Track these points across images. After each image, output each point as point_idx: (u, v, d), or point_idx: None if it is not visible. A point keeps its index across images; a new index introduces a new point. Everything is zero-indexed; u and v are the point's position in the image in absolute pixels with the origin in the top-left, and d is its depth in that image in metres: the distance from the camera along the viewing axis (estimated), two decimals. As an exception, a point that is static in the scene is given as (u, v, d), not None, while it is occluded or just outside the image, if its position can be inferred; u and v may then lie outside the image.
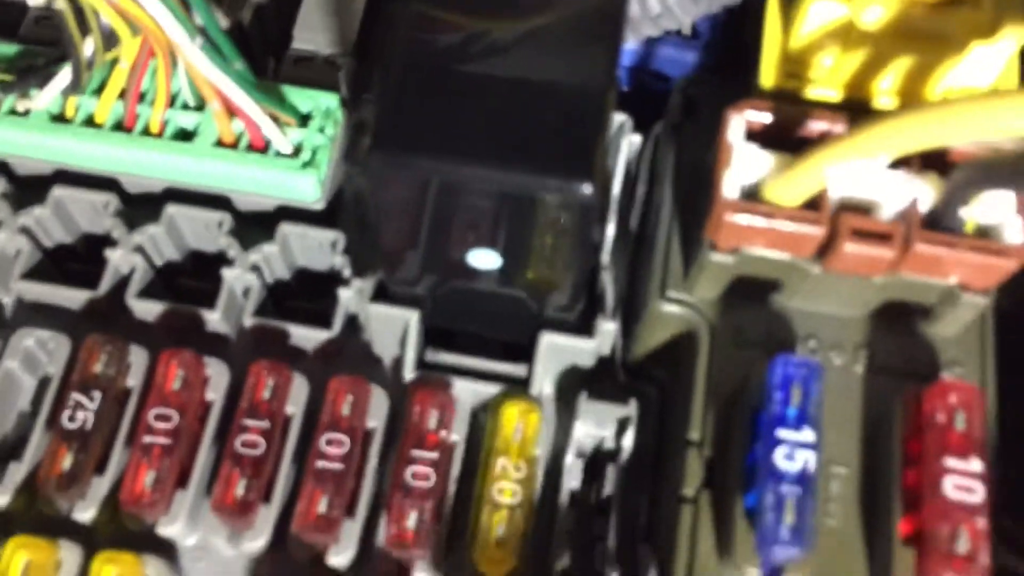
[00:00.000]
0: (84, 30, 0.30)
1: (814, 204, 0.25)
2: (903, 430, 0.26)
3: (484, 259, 0.27)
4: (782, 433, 0.24)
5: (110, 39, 0.31)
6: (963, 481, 0.24)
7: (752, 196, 0.26)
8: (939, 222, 0.25)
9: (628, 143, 0.32)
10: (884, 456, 0.26)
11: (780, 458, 0.24)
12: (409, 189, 0.25)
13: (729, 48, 0.36)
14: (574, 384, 0.32)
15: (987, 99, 0.20)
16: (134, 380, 0.32)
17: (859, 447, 0.27)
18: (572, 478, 0.31)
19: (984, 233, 0.25)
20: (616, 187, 0.32)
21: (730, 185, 0.26)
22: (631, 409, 0.30)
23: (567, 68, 0.25)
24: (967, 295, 0.26)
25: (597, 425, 0.31)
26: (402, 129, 0.24)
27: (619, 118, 0.32)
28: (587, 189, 0.23)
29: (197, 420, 0.31)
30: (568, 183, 0.23)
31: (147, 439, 0.29)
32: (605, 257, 0.31)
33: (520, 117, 0.24)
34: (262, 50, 0.39)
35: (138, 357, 0.32)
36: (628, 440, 0.30)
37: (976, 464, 0.24)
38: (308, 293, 0.35)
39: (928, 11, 0.25)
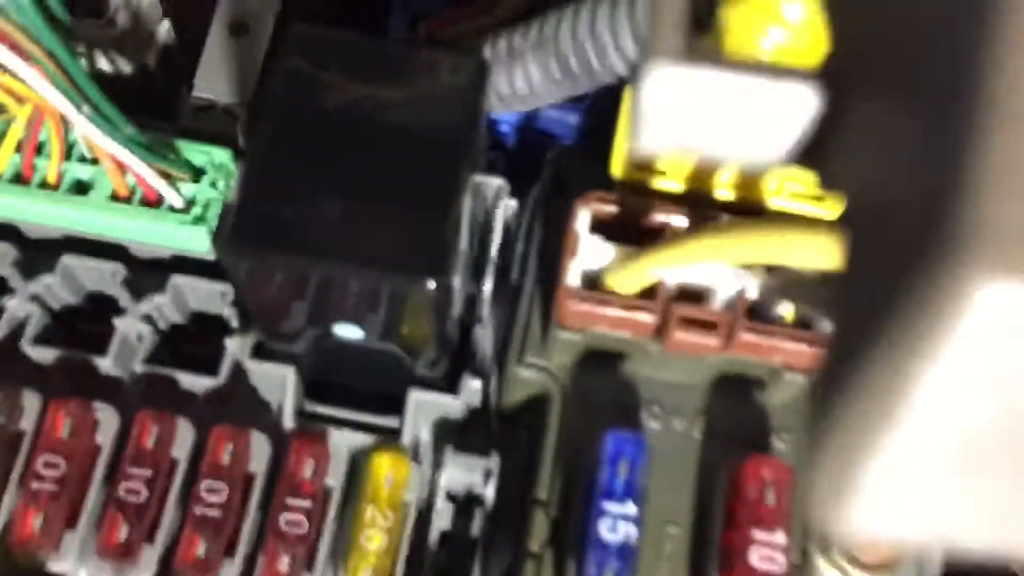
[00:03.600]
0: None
1: (652, 291, 0.28)
2: (724, 495, 0.28)
3: (348, 331, 0.29)
4: (607, 505, 0.27)
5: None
6: (767, 552, 0.26)
7: (595, 282, 0.28)
8: (764, 312, 0.28)
9: (504, 206, 0.34)
10: (710, 518, 0.29)
11: (604, 529, 0.26)
12: (266, 277, 0.26)
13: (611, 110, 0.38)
14: (449, 431, 0.34)
15: (781, 231, 0.23)
16: (27, 424, 0.33)
17: (691, 509, 0.30)
18: (442, 520, 0.33)
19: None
20: (494, 247, 0.34)
21: (574, 273, 0.28)
22: (493, 462, 0.32)
23: (421, 164, 0.27)
24: (790, 374, 0.29)
25: (466, 472, 0.33)
26: (258, 220, 0.26)
27: (496, 182, 0.34)
28: (431, 284, 0.25)
29: (85, 463, 0.33)
30: (413, 279, 0.25)
31: (35, 485, 0.31)
32: (484, 311, 0.33)
33: (372, 210, 0.26)
34: (170, 90, 0.40)
35: (31, 402, 0.33)
36: (490, 491, 0.32)
37: (780, 537, 0.26)
38: (203, 334, 0.37)
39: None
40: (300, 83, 0.28)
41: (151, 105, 0.40)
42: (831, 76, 0.13)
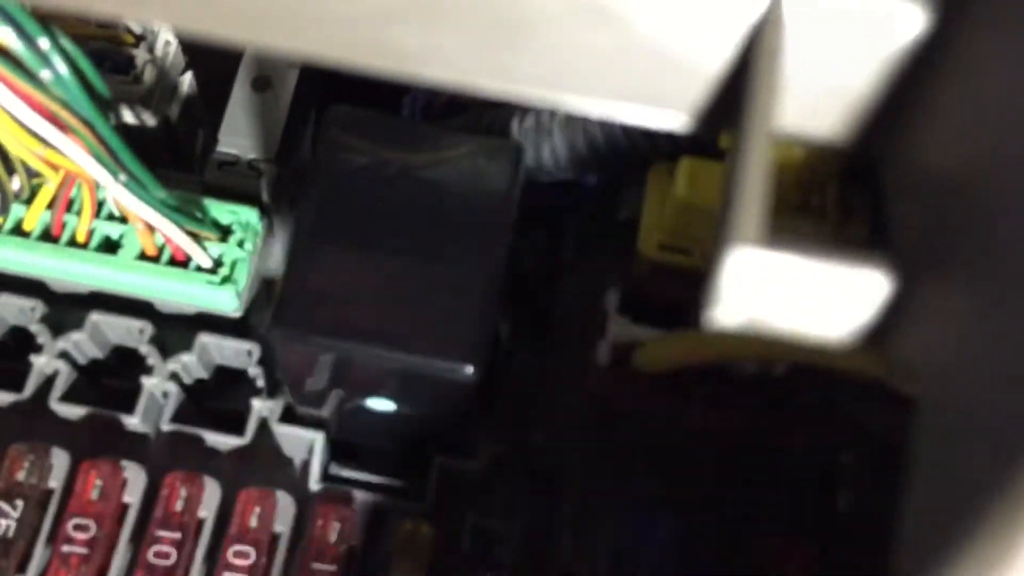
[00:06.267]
0: (9, 169, 0.32)
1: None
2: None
3: (381, 404, 0.30)
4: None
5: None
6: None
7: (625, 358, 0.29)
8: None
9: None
10: None
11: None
12: (308, 357, 0.27)
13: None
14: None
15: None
16: (55, 482, 0.34)
17: None
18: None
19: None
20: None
21: (603, 352, 0.29)
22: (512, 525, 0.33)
23: (462, 247, 0.27)
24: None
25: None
26: (302, 306, 0.26)
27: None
28: (468, 370, 0.26)
29: (114, 523, 0.33)
30: (450, 366, 0.26)
31: (65, 548, 0.32)
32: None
33: (411, 299, 0.27)
34: (192, 142, 0.41)
35: (59, 459, 0.34)
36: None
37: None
38: (226, 388, 0.38)
39: (780, 216, 0.28)
40: (341, 165, 0.29)
41: (173, 157, 0.41)
42: (905, 261, 0.14)
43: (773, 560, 0.27)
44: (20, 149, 0.31)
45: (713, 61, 0.15)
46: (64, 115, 0.30)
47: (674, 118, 0.16)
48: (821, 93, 0.15)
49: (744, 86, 0.15)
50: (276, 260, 0.37)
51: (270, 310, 0.27)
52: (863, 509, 0.28)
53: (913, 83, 0.15)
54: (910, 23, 0.15)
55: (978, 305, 0.13)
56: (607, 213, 0.35)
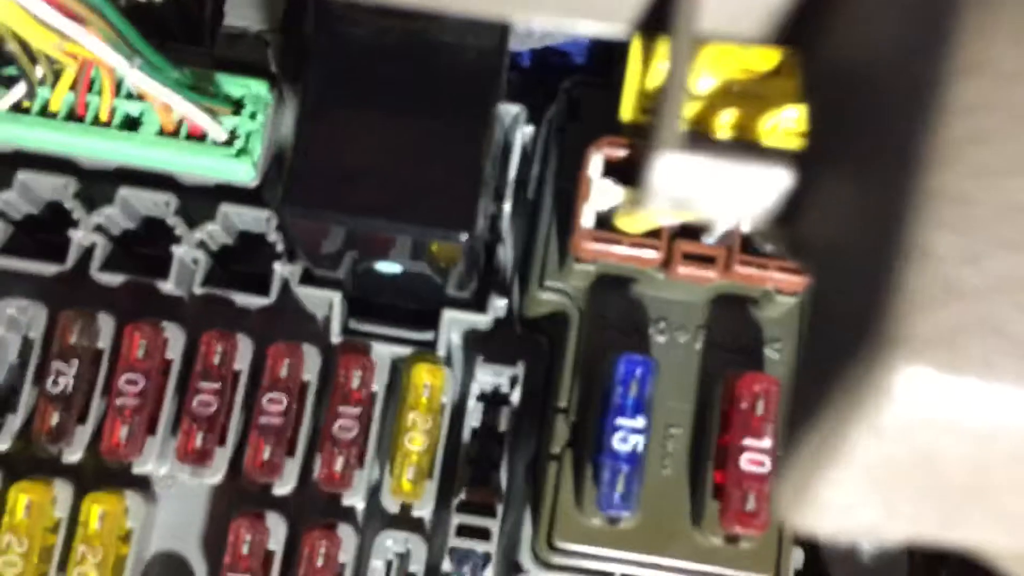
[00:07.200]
0: (33, 58, 0.34)
1: (657, 228, 0.31)
2: (722, 402, 0.33)
3: (389, 266, 0.33)
4: (620, 421, 0.31)
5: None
6: (756, 456, 0.31)
7: (607, 220, 0.32)
8: (756, 244, 0.31)
9: (522, 132, 0.37)
10: (708, 421, 0.33)
11: (617, 441, 0.31)
12: (318, 232, 0.30)
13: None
14: (477, 340, 0.38)
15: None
16: (104, 342, 0.38)
17: (693, 412, 0.34)
18: (473, 418, 0.38)
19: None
20: (512, 170, 0.37)
21: (587, 215, 0.31)
22: (519, 369, 0.37)
23: (449, 127, 0.30)
24: (780, 296, 0.33)
25: (493, 376, 0.38)
26: (309, 185, 0.29)
27: (514, 110, 0.37)
28: (464, 237, 0.29)
29: (160, 376, 0.37)
30: (449, 233, 0.29)
31: (119, 401, 0.36)
32: (504, 228, 0.37)
33: (408, 174, 0.29)
34: (199, 14, 0.42)
35: (105, 323, 0.38)
36: (516, 395, 0.37)
37: (767, 442, 0.31)
38: (250, 251, 0.41)
39: (748, 80, 0.30)
40: (338, 40, 0.31)
41: (183, 30, 0.43)
42: (804, 155, 0.16)
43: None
44: (41, 43, 0.33)
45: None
46: (77, 8, 0.32)
47: (614, 28, 0.18)
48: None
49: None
50: (288, 128, 0.39)
51: (280, 186, 0.29)
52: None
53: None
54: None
55: (857, 188, 0.15)
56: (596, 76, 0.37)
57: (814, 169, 0.16)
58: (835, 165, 0.16)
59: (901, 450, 0.14)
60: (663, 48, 0.32)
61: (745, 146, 0.16)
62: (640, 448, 0.31)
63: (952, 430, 0.14)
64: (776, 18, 0.18)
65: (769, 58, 0.30)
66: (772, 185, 0.16)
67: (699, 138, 0.16)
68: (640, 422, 0.31)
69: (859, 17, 0.16)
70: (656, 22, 0.18)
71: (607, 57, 0.40)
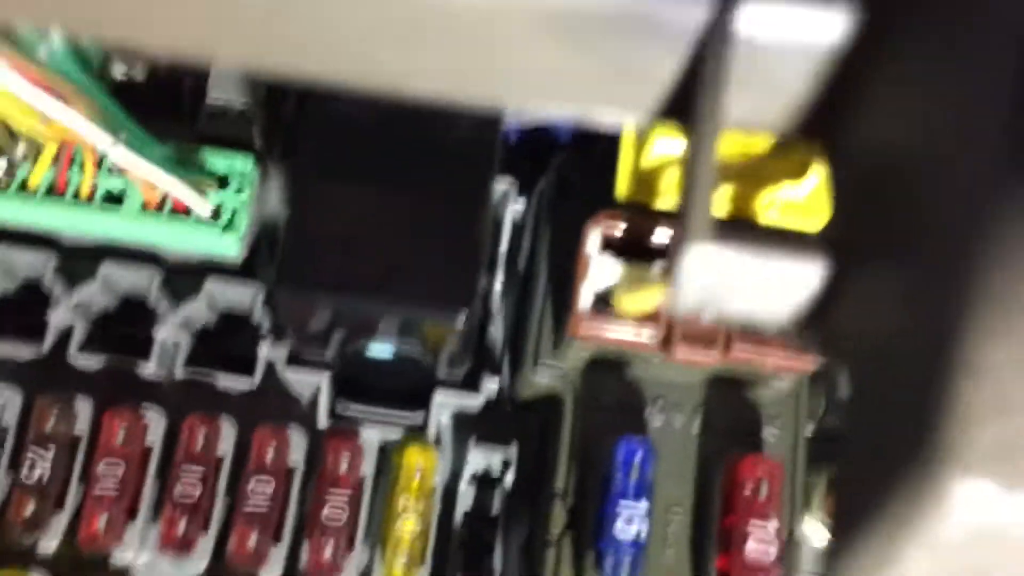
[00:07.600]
0: (13, 135, 0.34)
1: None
2: (723, 485, 0.32)
3: (380, 349, 0.32)
4: (623, 505, 0.30)
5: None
6: (761, 544, 0.30)
7: (605, 299, 0.31)
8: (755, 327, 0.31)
9: (511, 210, 0.37)
10: (709, 502, 0.33)
11: (620, 525, 0.30)
12: (310, 313, 0.29)
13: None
14: (468, 420, 0.38)
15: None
16: (81, 427, 0.36)
17: (692, 494, 0.33)
18: (465, 502, 0.37)
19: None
20: (504, 245, 0.37)
21: (586, 295, 0.31)
22: (511, 451, 0.36)
23: (446, 205, 0.29)
24: (779, 378, 0.32)
25: (485, 459, 0.37)
26: (303, 266, 0.28)
27: (503, 187, 0.37)
28: (462, 317, 0.28)
29: (140, 463, 0.36)
30: (445, 314, 0.28)
31: (98, 490, 0.34)
32: (495, 304, 0.36)
33: (404, 254, 0.29)
34: (181, 91, 0.42)
35: (83, 408, 0.36)
36: (509, 477, 0.36)
37: (772, 526, 0.30)
38: (234, 332, 0.40)
39: (748, 159, 0.30)
40: (327, 114, 0.30)
41: (165, 106, 0.42)
42: (835, 245, 0.16)
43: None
44: (23, 123, 0.32)
45: (667, 71, 0.17)
46: (59, 85, 0.32)
47: (636, 117, 0.17)
48: (764, 91, 0.17)
49: (696, 92, 0.16)
50: (273, 203, 0.39)
51: (272, 265, 0.29)
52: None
53: (846, 80, 0.17)
54: (842, 28, 0.16)
55: (901, 287, 0.15)
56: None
57: (847, 261, 0.16)
58: (871, 259, 0.16)
59: (955, 565, 0.13)
60: (658, 128, 0.32)
61: (779, 234, 0.16)
62: (643, 534, 0.30)
63: (1007, 546, 0.13)
64: (800, 109, 0.17)
65: (765, 139, 0.30)
66: (805, 280, 0.16)
67: (731, 227, 0.16)
68: (643, 506, 0.30)
69: (892, 110, 0.16)
70: (679, 112, 0.17)
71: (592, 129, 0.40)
